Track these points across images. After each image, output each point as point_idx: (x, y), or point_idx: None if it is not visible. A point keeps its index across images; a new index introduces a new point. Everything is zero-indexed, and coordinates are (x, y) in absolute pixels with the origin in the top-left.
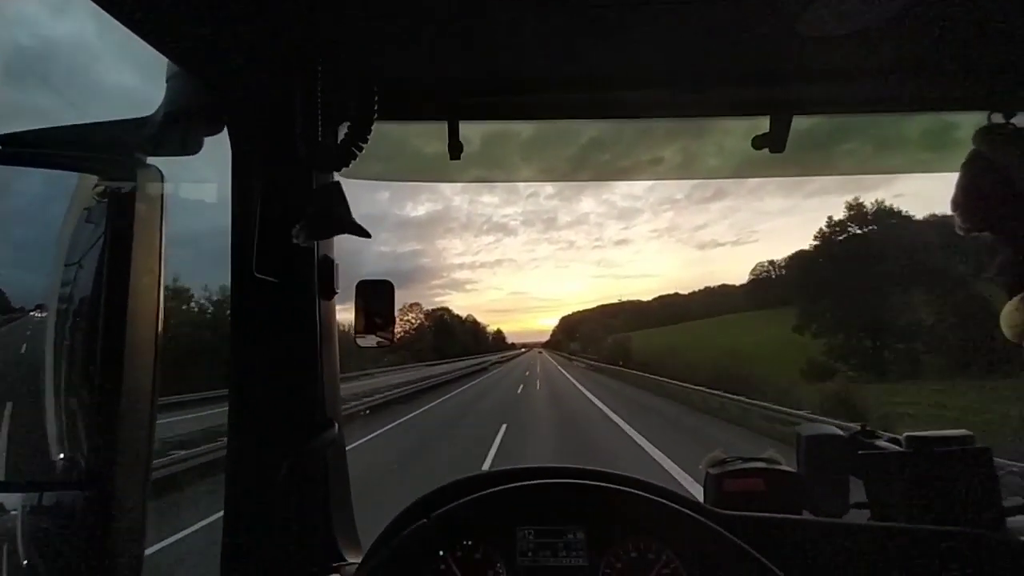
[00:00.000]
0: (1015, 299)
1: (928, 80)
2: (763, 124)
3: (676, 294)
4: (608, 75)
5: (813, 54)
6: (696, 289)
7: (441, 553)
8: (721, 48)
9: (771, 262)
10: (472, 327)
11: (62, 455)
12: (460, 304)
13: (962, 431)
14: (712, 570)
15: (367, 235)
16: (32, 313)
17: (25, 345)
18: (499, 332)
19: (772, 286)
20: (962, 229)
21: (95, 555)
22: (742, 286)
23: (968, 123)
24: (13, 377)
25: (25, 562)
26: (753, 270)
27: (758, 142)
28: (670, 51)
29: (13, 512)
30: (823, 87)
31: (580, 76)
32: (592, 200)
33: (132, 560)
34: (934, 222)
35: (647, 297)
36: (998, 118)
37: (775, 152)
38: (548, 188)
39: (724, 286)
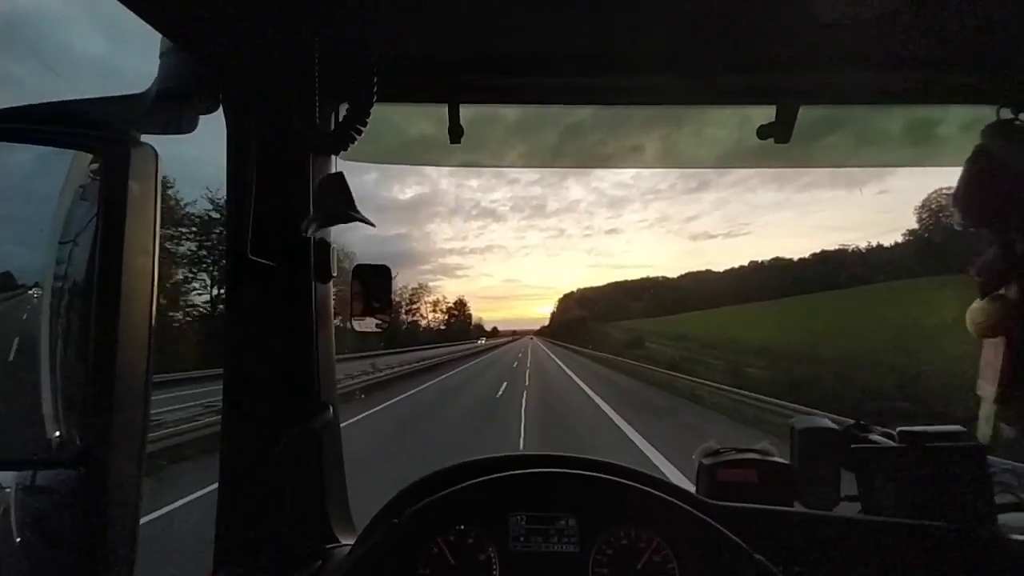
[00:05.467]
0: (985, 299)
1: (939, 72)
2: (763, 113)
3: (708, 271)
4: (617, 59)
5: (824, 42)
6: (735, 266)
7: (434, 537)
8: (731, 33)
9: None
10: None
11: (57, 433)
12: (453, 290)
13: (956, 427)
14: (702, 558)
15: (371, 224)
16: (29, 292)
17: (21, 324)
18: (461, 305)
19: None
20: (960, 224)
21: (90, 533)
22: (850, 252)
23: (961, 118)
24: (8, 356)
25: (19, 539)
26: (925, 202)
27: (763, 131)
28: (680, 36)
29: (7, 490)
30: (833, 76)
31: (586, 58)
32: (581, 188)
33: (127, 538)
34: None
35: (672, 274)
36: (1007, 114)
37: (780, 142)
38: (531, 174)
39: (777, 259)
